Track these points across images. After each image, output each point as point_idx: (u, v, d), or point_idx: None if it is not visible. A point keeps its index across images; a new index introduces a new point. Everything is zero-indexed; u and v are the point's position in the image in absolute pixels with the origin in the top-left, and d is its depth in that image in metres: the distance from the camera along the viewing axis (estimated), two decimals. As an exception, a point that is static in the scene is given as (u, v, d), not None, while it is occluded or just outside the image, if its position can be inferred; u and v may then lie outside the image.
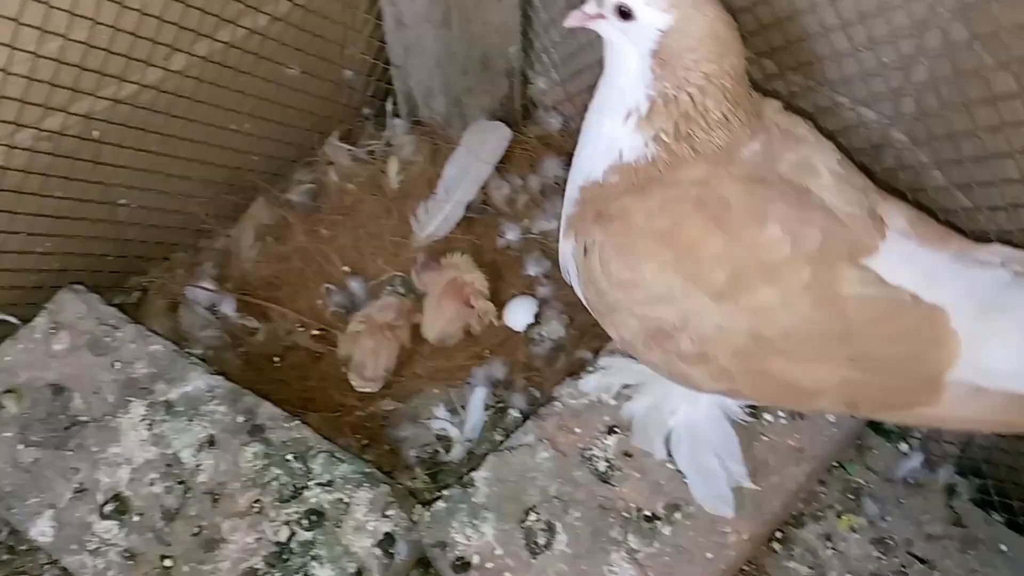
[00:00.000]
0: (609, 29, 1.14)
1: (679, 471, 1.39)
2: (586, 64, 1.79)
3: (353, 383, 1.68)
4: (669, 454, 1.40)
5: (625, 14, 1.11)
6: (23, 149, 1.46)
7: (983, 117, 1.20)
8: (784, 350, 1.12)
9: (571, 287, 1.72)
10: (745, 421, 1.41)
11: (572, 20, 1.19)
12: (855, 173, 1.20)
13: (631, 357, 1.50)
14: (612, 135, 1.17)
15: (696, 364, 1.16)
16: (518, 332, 1.76)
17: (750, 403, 1.41)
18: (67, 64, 1.41)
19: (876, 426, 1.58)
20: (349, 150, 1.94)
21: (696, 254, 1.12)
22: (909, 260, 1.13)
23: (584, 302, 1.27)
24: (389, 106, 1.97)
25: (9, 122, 1.41)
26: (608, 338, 1.60)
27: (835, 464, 1.54)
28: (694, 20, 1.09)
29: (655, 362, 1.21)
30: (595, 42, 1.69)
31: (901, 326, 1.11)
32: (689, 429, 1.38)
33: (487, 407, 1.60)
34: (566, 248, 1.25)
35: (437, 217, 1.86)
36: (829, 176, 1.15)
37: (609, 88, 1.18)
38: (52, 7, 1.34)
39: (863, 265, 1.11)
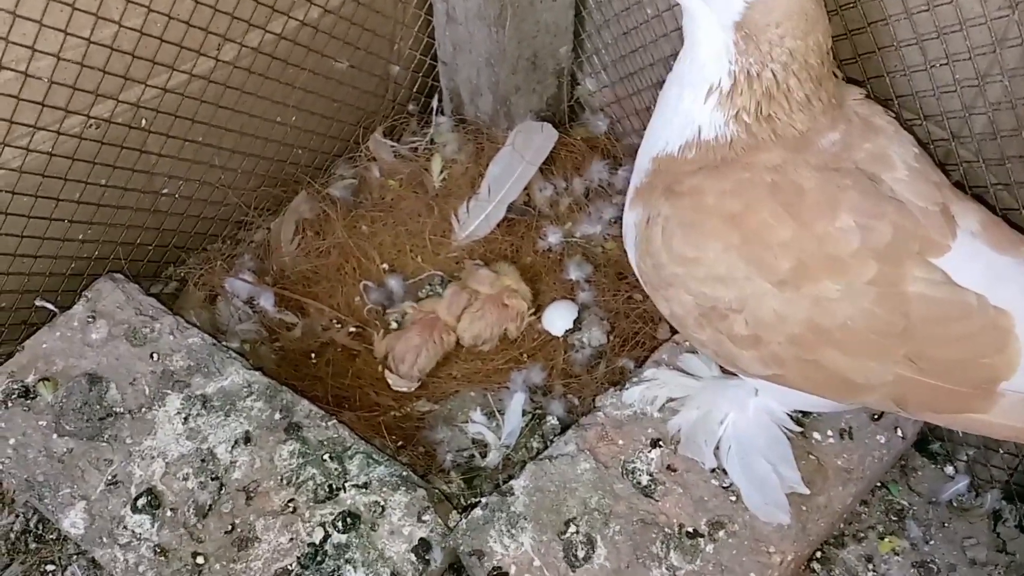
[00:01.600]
0: (691, 1, 1.11)
1: (731, 483, 1.37)
2: (637, 67, 1.76)
3: (389, 380, 1.66)
4: (719, 464, 1.38)
5: None
6: (71, 136, 1.45)
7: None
8: (840, 342, 1.11)
9: (609, 284, 1.73)
10: (791, 430, 1.38)
11: None
12: (931, 168, 1.18)
13: (678, 369, 1.48)
14: (691, 110, 1.15)
15: (747, 347, 1.16)
16: (557, 337, 1.73)
17: (798, 409, 1.38)
18: (120, 51, 1.41)
19: (922, 447, 1.55)
20: (392, 146, 1.93)
21: (763, 240, 1.11)
22: (978, 262, 1.11)
23: (636, 272, 1.26)
24: (435, 103, 1.95)
25: (59, 108, 1.40)
26: (652, 348, 1.59)
27: (878, 484, 1.51)
28: None
29: (703, 340, 1.21)
30: (648, 46, 1.70)
31: (963, 329, 1.09)
32: (739, 436, 1.36)
33: (525, 413, 1.57)
34: (630, 218, 1.24)
35: (478, 217, 1.84)
36: (904, 169, 1.14)
37: (691, 62, 1.15)
38: (108, -7, 1.34)
39: (932, 264, 1.09)
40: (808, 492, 1.35)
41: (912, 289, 1.08)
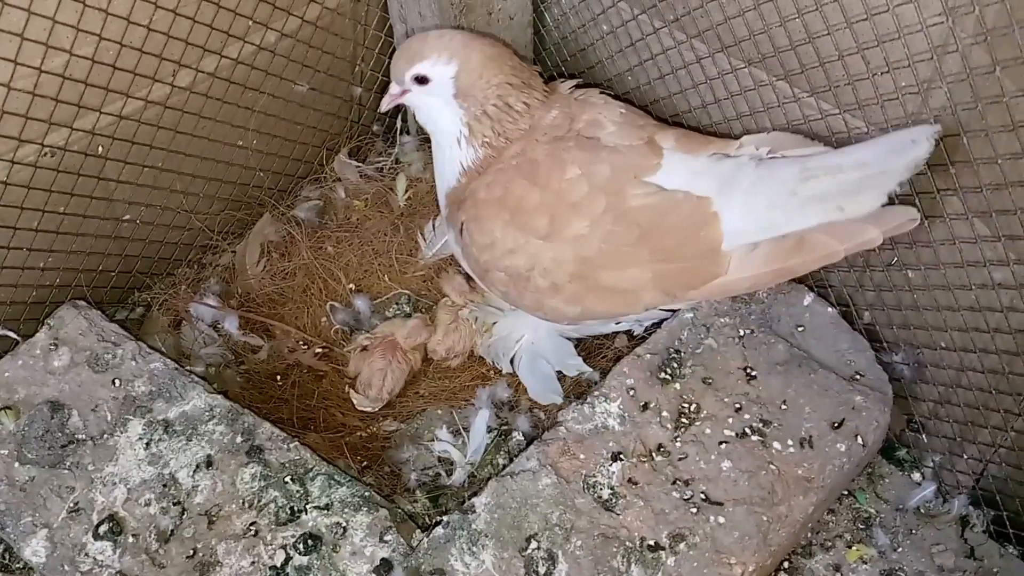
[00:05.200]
0: (415, 97, 1.51)
1: (691, 495, 1.38)
2: (594, 83, 1.76)
3: (355, 401, 1.66)
4: (513, 370, 1.66)
5: (423, 80, 1.48)
6: (26, 164, 1.45)
7: (1003, 144, 1.17)
8: (604, 264, 1.42)
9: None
10: (569, 338, 1.65)
11: (385, 104, 1.55)
12: (637, 116, 1.53)
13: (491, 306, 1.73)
14: (453, 157, 1.52)
15: (553, 295, 1.47)
16: (523, 352, 1.74)
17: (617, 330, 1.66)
18: (72, 79, 1.41)
19: (888, 454, 1.55)
20: (357, 167, 1.93)
21: (523, 209, 1.44)
22: (680, 168, 1.43)
23: (470, 273, 1.60)
24: (399, 123, 1.96)
25: (12, 137, 1.40)
26: (614, 358, 1.60)
27: (845, 492, 1.51)
28: (470, 58, 1.46)
29: (528, 305, 1.52)
30: (604, 61, 1.71)
31: (678, 217, 1.40)
32: (529, 349, 1.65)
33: (490, 429, 1.57)
34: (449, 238, 1.60)
35: (444, 235, 1.84)
36: (612, 125, 1.48)
37: (439, 131, 1.53)
38: (58, 23, 1.34)
39: (645, 181, 1.42)
40: (591, 370, 1.62)
41: (634, 203, 1.40)
